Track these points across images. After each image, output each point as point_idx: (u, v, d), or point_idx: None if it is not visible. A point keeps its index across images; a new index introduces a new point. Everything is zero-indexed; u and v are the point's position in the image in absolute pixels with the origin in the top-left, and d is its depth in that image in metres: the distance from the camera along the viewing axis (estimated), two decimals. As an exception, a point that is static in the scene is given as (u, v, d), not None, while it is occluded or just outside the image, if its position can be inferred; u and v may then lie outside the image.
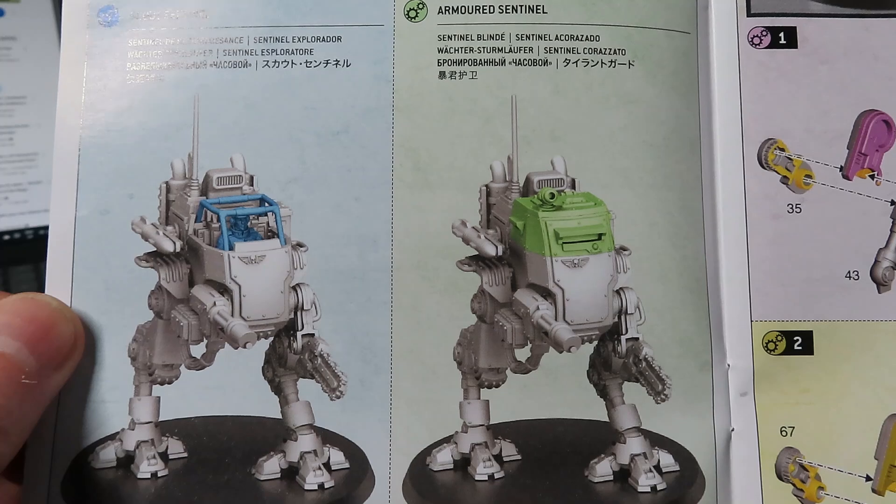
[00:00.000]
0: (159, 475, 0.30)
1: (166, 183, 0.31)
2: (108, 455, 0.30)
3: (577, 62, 0.32)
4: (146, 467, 0.30)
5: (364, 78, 0.31)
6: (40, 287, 0.30)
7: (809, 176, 0.32)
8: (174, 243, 0.31)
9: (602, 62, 0.32)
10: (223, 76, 0.31)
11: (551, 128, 0.31)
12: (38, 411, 0.28)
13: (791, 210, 0.32)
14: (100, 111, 0.31)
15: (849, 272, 0.31)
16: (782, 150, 0.32)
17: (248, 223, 0.32)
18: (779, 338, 0.31)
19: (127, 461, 0.30)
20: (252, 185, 0.31)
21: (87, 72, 0.32)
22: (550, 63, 0.32)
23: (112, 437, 0.30)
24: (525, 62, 0.32)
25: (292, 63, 0.32)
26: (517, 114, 0.31)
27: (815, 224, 0.32)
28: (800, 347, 0.31)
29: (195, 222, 0.32)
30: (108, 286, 0.30)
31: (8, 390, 0.26)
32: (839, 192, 0.32)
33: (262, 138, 0.31)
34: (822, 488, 0.30)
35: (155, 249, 0.31)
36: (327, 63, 0.32)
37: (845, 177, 0.32)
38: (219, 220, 0.31)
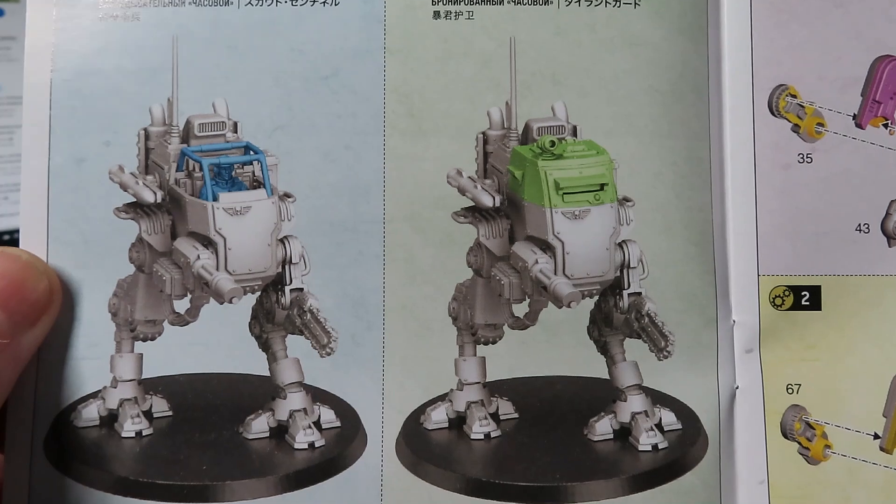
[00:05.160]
0: (144, 434, 0.28)
1: (145, 129, 0.29)
2: (90, 413, 0.28)
3: (579, 1, 0.29)
4: (130, 426, 0.28)
5: (354, 18, 0.28)
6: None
7: (821, 124, 0.29)
8: (154, 193, 0.28)
9: (606, 1, 0.29)
10: (204, 15, 0.28)
11: (552, 71, 0.28)
12: (15, 371, 0.26)
13: (802, 160, 0.29)
14: (71, 53, 0.28)
15: (859, 225, 0.29)
16: (794, 96, 0.29)
17: (233, 172, 0.29)
18: (786, 293, 0.29)
19: (110, 420, 0.28)
20: (236, 132, 0.29)
21: (56, 10, 0.28)
22: (552, 2, 0.29)
23: (94, 396, 0.28)
24: (525, 1, 0.29)
25: (277, 1, 0.28)
26: (516, 57, 0.28)
27: (827, 175, 0.29)
28: (807, 303, 0.29)
29: (176, 171, 0.29)
30: (85, 239, 0.28)
31: None
32: (852, 141, 0.29)
33: (246, 82, 0.28)
34: (828, 447, 0.28)
35: (134, 200, 0.28)
36: (314, 2, 0.28)
37: (858, 125, 0.29)
38: (201, 169, 0.28)
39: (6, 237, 0.62)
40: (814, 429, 0.28)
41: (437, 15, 0.28)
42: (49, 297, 0.26)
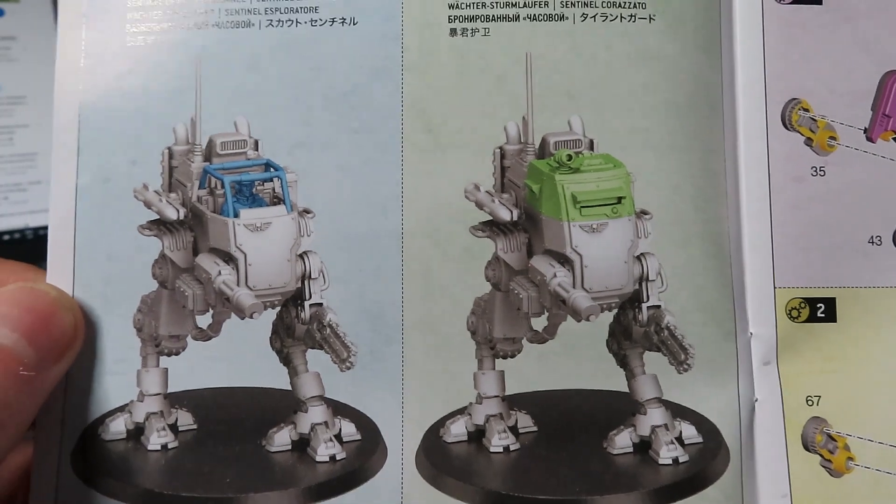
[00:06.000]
0: (169, 447, 0.28)
1: (169, 149, 0.28)
2: (117, 427, 0.28)
3: (594, 17, 0.28)
4: (156, 439, 0.28)
5: (372, 36, 0.28)
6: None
7: (833, 137, 0.28)
8: (177, 211, 0.28)
9: (621, 17, 0.28)
10: (225, 37, 0.28)
11: (568, 86, 0.28)
12: (37, 404, 0.25)
13: (815, 173, 0.28)
14: (99, 75, 0.28)
15: (871, 237, 0.28)
16: (806, 110, 0.28)
17: (254, 189, 0.29)
18: (802, 305, 0.28)
19: (137, 433, 0.28)
20: (257, 149, 0.28)
21: (85, 34, 0.28)
22: (567, 18, 0.28)
23: (121, 409, 0.28)
24: (540, 18, 0.28)
25: (297, 22, 0.28)
26: (532, 72, 0.28)
27: (839, 188, 0.28)
28: (823, 315, 0.28)
29: (199, 189, 0.29)
30: (110, 256, 0.27)
31: (6, 382, 0.23)
32: (863, 154, 0.29)
33: (267, 101, 0.28)
34: (851, 459, 0.27)
35: (158, 217, 0.28)
36: (333, 21, 0.28)
37: (869, 139, 0.29)
38: (223, 186, 0.28)
39: (6, 237, 0.60)
40: (835, 441, 0.27)
41: (453, 32, 0.28)
42: (74, 332, 0.26)
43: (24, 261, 0.28)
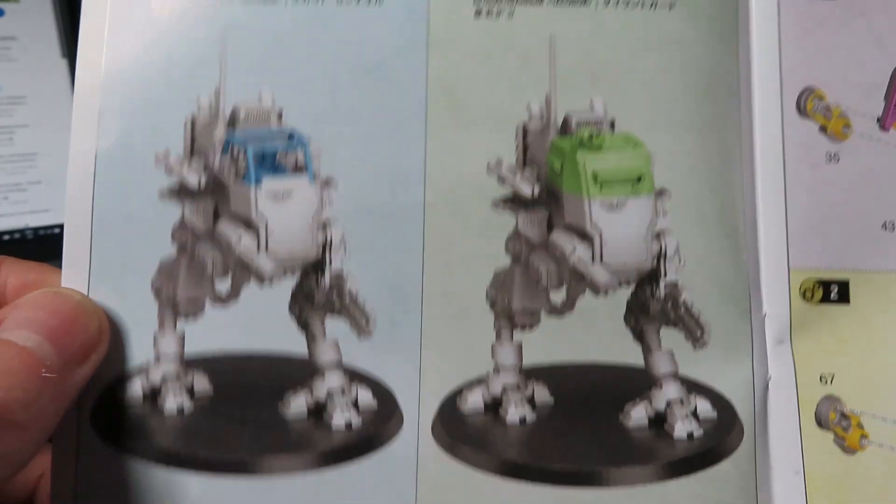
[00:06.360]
0: (185, 411, 0.27)
1: (192, 116, 0.28)
2: (135, 389, 0.27)
3: (616, 2, 0.28)
4: (172, 403, 0.27)
5: (398, 14, 0.28)
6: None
7: (847, 126, 0.29)
8: (199, 177, 0.28)
9: (643, 3, 0.28)
10: (252, 10, 0.28)
11: (590, 68, 0.28)
12: (61, 406, 0.25)
13: (829, 160, 0.29)
14: (124, 44, 0.28)
15: (885, 223, 0.28)
16: (821, 98, 0.29)
17: (277, 159, 0.28)
18: (816, 286, 0.28)
19: (153, 396, 0.28)
20: (280, 119, 0.28)
21: (111, 3, 0.28)
22: (590, 3, 0.28)
23: (138, 372, 0.27)
24: (563, 2, 0.28)
25: (323, 1, 0.28)
26: (555, 54, 0.28)
27: (853, 174, 0.29)
28: (836, 297, 0.28)
29: (221, 156, 0.28)
30: (130, 220, 0.27)
31: (28, 384, 0.23)
32: (876, 143, 0.29)
33: (292, 74, 0.28)
34: (864, 436, 0.27)
35: (179, 184, 0.28)
36: (359, 0, 0.28)
37: (882, 128, 0.29)
38: (246, 154, 0.28)
39: (6, 237, 0.59)
40: (849, 419, 0.27)
41: (478, 14, 0.28)
42: (98, 336, 0.25)
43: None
